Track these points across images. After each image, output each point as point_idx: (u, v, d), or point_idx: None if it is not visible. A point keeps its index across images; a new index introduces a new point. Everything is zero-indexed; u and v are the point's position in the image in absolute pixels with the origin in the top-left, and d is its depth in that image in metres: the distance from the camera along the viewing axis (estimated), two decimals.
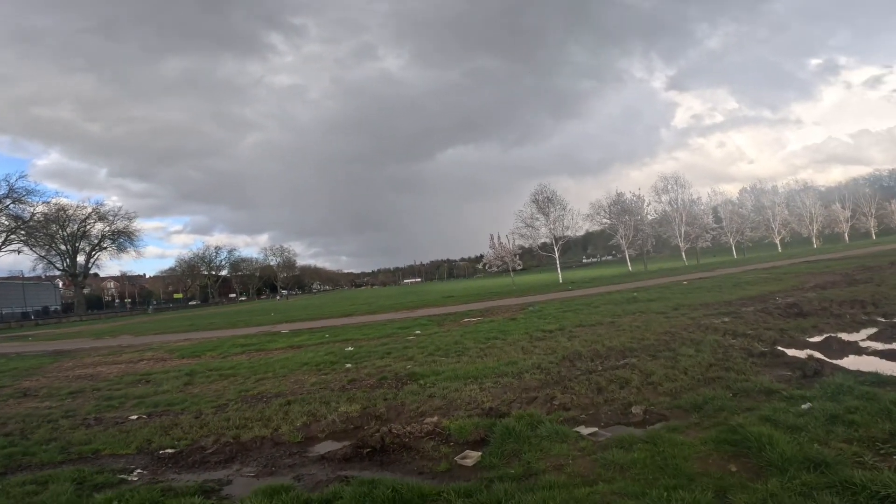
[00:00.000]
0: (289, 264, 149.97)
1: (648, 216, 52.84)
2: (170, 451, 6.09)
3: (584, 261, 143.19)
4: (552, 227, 45.59)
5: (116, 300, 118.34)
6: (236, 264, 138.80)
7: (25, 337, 35.12)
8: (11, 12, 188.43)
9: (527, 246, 48.02)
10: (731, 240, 58.47)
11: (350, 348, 13.18)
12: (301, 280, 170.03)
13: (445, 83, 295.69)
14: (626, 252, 51.69)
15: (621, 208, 50.36)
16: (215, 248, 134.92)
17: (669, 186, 53.79)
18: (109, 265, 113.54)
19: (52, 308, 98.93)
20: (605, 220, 52.53)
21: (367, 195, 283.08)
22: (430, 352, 11.11)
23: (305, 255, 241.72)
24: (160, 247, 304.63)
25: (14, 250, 69.85)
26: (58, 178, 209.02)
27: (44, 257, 78.03)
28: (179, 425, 7.12)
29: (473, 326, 14.95)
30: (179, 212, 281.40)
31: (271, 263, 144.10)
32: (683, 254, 53.35)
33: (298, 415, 6.99)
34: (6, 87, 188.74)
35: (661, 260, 64.92)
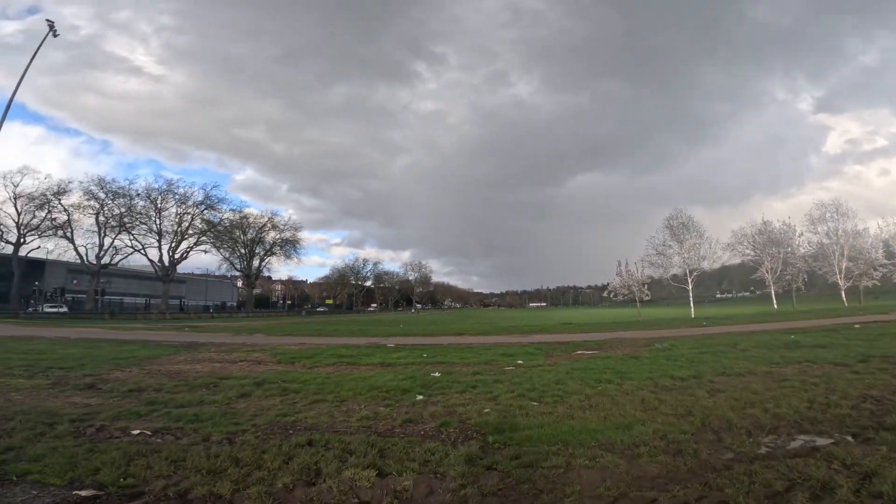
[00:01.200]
0: (424, 280, 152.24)
1: (800, 248, 44.68)
2: (91, 493, 4.04)
3: (718, 296, 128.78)
4: (686, 255, 40.02)
5: (279, 301, 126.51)
6: (379, 276, 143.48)
7: (183, 328, 36.70)
8: (221, 41, 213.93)
9: (656, 277, 42.59)
10: None
11: (436, 374, 10.58)
12: (434, 296, 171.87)
13: (574, 108, 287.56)
14: (772, 288, 43.70)
15: (767, 238, 42.89)
16: (363, 261, 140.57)
17: (828, 215, 44.79)
18: (279, 269, 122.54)
19: (229, 304, 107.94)
20: (747, 252, 45.01)
21: (498, 218, 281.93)
22: (522, 392, 8.12)
23: (440, 273, 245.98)
24: (322, 256, 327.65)
25: (202, 250, 76.32)
26: (250, 191, 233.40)
27: (227, 258, 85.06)
28: (157, 454, 5.06)
29: (584, 362, 11.64)
30: (340, 226, 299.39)
31: (409, 278, 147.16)
32: (843, 293, 43.82)
33: (293, 471, 4.52)
34: (216, 110, 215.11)
35: (809, 300, 54.93)
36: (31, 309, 58.13)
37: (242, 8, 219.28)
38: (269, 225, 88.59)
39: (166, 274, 71.05)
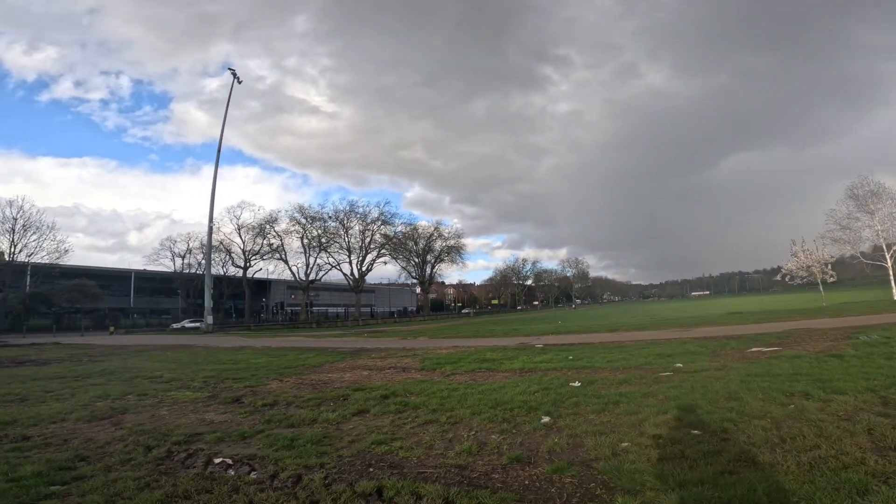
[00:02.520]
0: (582, 275, 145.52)
1: None
2: None
3: None
4: (880, 228, 31.46)
5: (451, 303, 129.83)
6: (539, 275, 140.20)
7: (362, 333, 38.10)
8: (372, 74, 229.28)
9: (844, 255, 34.13)
10: None
11: (576, 384, 8.39)
12: (593, 290, 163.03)
13: (713, 88, 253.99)
14: None
15: None
16: (522, 261, 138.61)
17: None
18: (451, 275, 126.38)
19: (410, 308, 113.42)
20: None
21: (650, 208, 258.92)
22: (678, 413, 5.63)
23: (597, 268, 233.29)
24: (486, 260, 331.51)
25: (383, 261, 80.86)
26: (419, 206, 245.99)
27: (404, 268, 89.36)
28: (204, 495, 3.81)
29: (764, 364, 8.45)
30: (499, 230, 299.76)
31: (567, 275, 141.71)
32: None
33: None
34: (380, 137, 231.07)
35: None
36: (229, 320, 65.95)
37: (381, 42, 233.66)
38: (435, 234, 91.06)
39: (357, 285, 76.38)
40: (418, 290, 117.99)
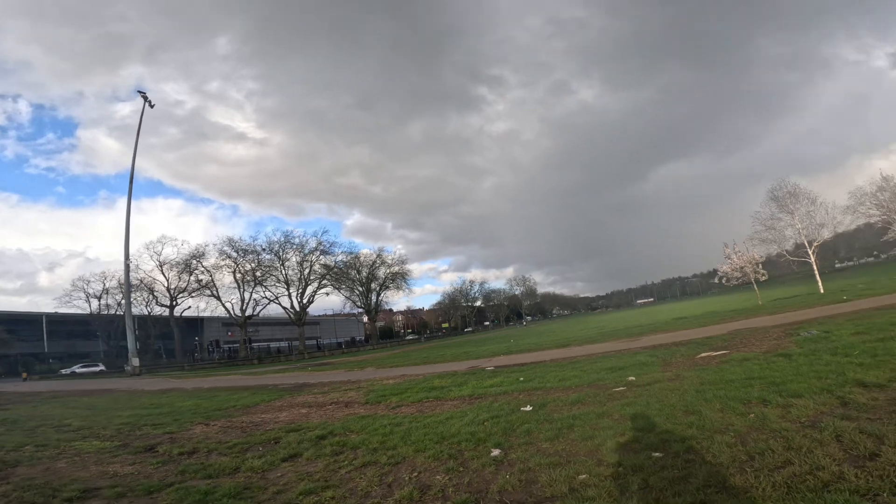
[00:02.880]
0: (530, 292, 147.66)
1: None
2: None
3: (838, 265, 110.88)
4: (800, 226, 33.48)
5: (401, 331, 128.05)
6: (487, 295, 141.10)
7: (306, 367, 36.39)
8: (301, 96, 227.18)
9: (772, 254, 36.23)
10: None
11: (527, 408, 7.94)
12: (542, 306, 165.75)
13: (641, 102, 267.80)
14: None
15: (892, 194, 35.05)
16: (470, 283, 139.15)
17: None
18: (399, 302, 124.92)
19: (357, 338, 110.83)
20: (872, 212, 36.90)
21: (591, 222, 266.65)
22: (636, 434, 5.25)
23: (545, 284, 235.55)
24: (434, 284, 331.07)
25: (325, 292, 78.64)
26: (360, 233, 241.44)
27: (348, 297, 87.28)
28: None
29: (716, 369, 8.31)
30: (444, 254, 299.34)
31: (515, 293, 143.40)
32: None
33: None
34: (315, 163, 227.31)
35: None
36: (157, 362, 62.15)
37: (310, 63, 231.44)
38: (378, 261, 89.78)
39: (299, 318, 73.77)
40: (365, 319, 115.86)
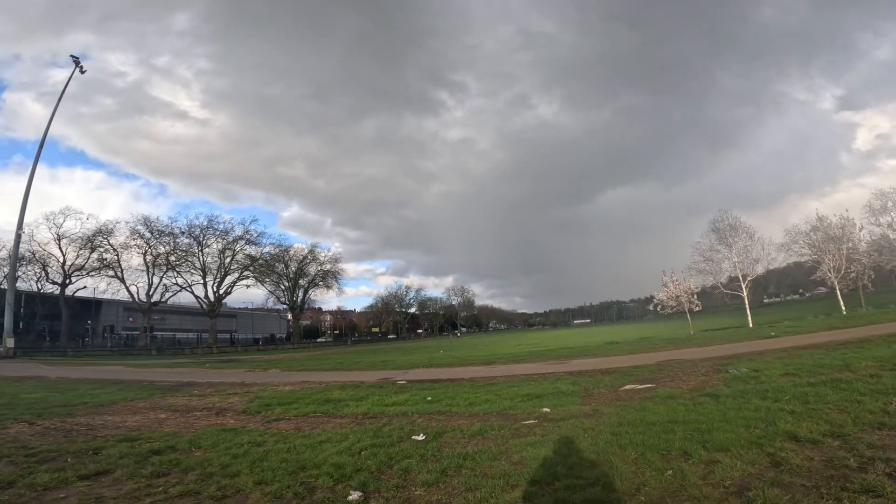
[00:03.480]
0: (468, 304, 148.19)
1: (862, 244, 38.24)
2: None
3: (766, 301, 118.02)
4: (737, 259, 34.70)
5: (327, 331, 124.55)
6: (423, 303, 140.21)
7: (204, 364, 33.83)
8: (255, 82, 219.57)
9: (708, 285, 37.42)
10: None
11: (419, 437, 6.90)
12: (478, 319, 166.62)
13: (598, 123, 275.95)
14: (838, 288, 36.55)
15: (824, 235, 37.13)
16: (406, 288, 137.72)
17: (890, 205, 38.41)
18: (330, 301, 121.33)
19: (279, 336, 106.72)
20: (804, 251, 38.88)
21: (536, 238, 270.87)
22: (530, 490, 4.29)
23: (484, 296, 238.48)
24: (369, 286, 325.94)
25: (245, 284, 75.12)
26: (297, 227, 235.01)
27: (272, 292, 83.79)
28: None
29: (638, 407, 7.54)
30: (383, 256, 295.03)
31: (452, 303, 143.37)
32: None
33: None
34: (258, 149, 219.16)
35: (876, 299, 47.34)
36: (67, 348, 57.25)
37: (270, 49, 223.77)
38: (310, 257, 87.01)
39: (212, 309, 69.86)
40: (290, 315, 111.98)
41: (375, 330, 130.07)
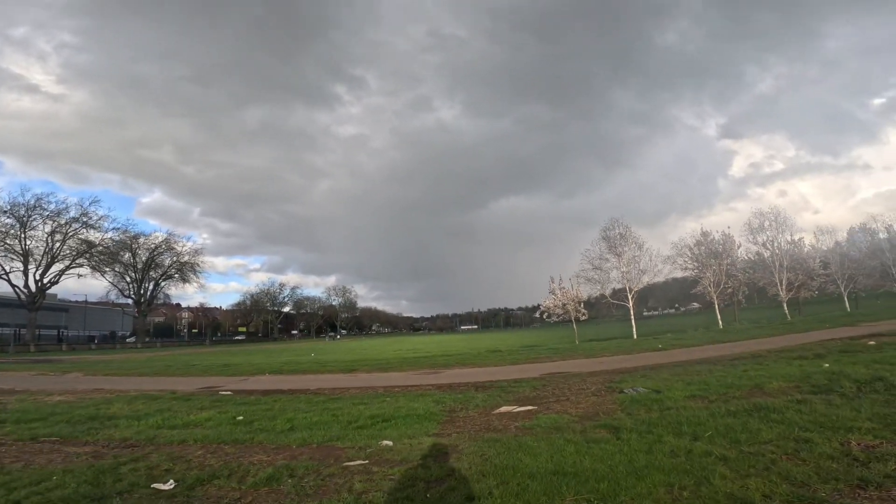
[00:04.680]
0: (350, 305, 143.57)
1: (739, 260, 41.26)
2: None
3: (645, 314, 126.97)
4: (625, 269, 35.38)
5: (184, 330, 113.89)
6: (300, 302, 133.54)
7: (17, 363, 28.11)
8: (125, 60, 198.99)
9: (595, 294, 37.71)
10: (841, 288, 43.01)
11: (164, 485, 4.44)
12: (361, 321, 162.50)
13: (496, 132, 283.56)
14: (716, 303, 38.89)
15: (707, 249, 39.19)
16: (280, 285, 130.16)
17: (766, 224, 41.22)
18: (194, 296, 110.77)
19: (122, 334, 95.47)
20: (688, 265, 40.86)
21: (426, 242, 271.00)
22: None
23: (368, 298, 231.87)
24: (241, 283, 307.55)
25: (78, 273, 65.53)
26: (159, 215, 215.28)
27: (113, 284, 74.15)
28: None
29: (511, 442, 5.53)
30: (259, 251, 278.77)
31: (333, 303, 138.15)
32: (785, 305, 40.20)
33: None
34: (118, 130, 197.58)
35: (749, 313, 51.51)
36: None
37: (150, 27, 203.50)
38: (164, 246, 78.33)
39: (33, 301, 60.17)
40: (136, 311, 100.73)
41: (242, 330, 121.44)
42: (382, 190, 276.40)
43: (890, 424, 5.15)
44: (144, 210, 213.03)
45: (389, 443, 5.99)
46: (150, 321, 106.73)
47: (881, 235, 46.61)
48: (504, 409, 7.92)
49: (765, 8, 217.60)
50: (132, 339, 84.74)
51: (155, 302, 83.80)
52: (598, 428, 6.03)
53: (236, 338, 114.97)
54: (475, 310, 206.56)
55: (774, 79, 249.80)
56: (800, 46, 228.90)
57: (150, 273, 77.60)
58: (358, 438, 6.35)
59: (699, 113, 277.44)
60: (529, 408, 7.83)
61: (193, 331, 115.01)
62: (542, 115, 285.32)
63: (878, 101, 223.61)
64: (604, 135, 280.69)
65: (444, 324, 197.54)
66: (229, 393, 12.27)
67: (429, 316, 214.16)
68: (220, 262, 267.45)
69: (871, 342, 14.16)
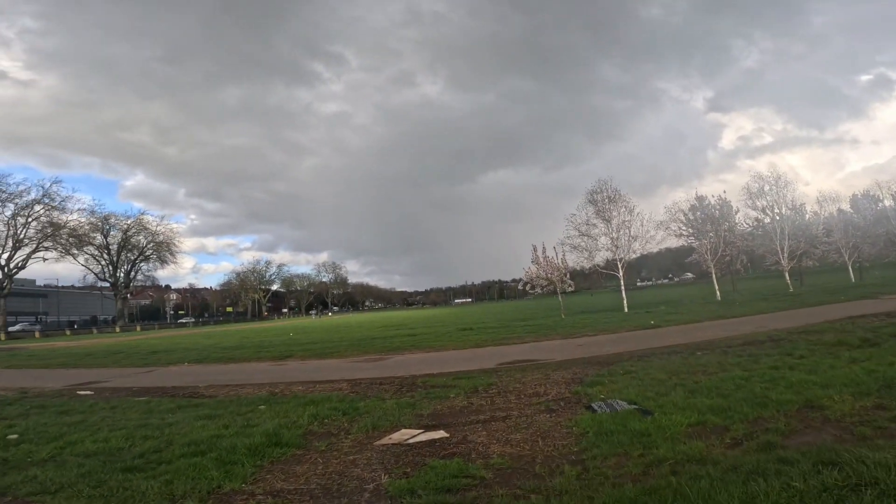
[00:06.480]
0: (341, 281, 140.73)
1: (738, 226, 38.29)
2: None
3: (639, 283, 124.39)
4: (615, 235, 31.73)
5: (170, 311, 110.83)
6: (289, 280, 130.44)
7: None
8: (94, 42, 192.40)
9: (583, 264, 34.21)
10: (846, 257, 40.47)
11: None
12: (353, 297, 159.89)
13: (482, 105, 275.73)
14: (713, 272, 35.24)
15: (703, 215, 36.18)
16: (267, 263, 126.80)
17: (766, 188, 37.54)
18: (183, 278, 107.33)
19: (104, 318, 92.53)
20: (683, 231, 37.99)
21: (417, 216, 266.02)
22: None
23: (361, 274, 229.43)
24: (232, 262, 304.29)
25: (43, 257, 62.09)
26: (143, 197, 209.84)
27: (87, 267, 70.90)
28: None
29: None
30: (249, 230, 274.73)
31: (324, 280, 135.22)
32: (787, 275, 36.79)
33: None
34: (95, 113, 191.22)
35: (747, 283, 48.75)
36: None
37: (113, 8, 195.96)
38: (136, 226, 74.60)
39: (1, 287, 57.05)
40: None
41: (229, 310, 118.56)
42: (369, 166, 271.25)
43: None
44: (128, 193, 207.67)
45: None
46: (136, 304, 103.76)
47: (886, 203, 43.65)
48: (397, 435, 4.96)
49: None
50: (106, 321, 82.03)
51: (133, 284, 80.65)
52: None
53: (221, 318, 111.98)
54: (469, 283, 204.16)
55: (760, 53, 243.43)
56: (785, 22, 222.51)
57: (127, 255, 74.40)
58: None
59: (686, 86, 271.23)
60: (436, 435, 4.87)
61: (181, 312, 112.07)
62: (526, 89, 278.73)
63: (865, 78, 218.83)
64: (590, 107, 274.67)
65: (438, 297, 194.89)
66: (91, 392, 9.41)
67: (423, 290, 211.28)
68: (211, 242, 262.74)
69: None
